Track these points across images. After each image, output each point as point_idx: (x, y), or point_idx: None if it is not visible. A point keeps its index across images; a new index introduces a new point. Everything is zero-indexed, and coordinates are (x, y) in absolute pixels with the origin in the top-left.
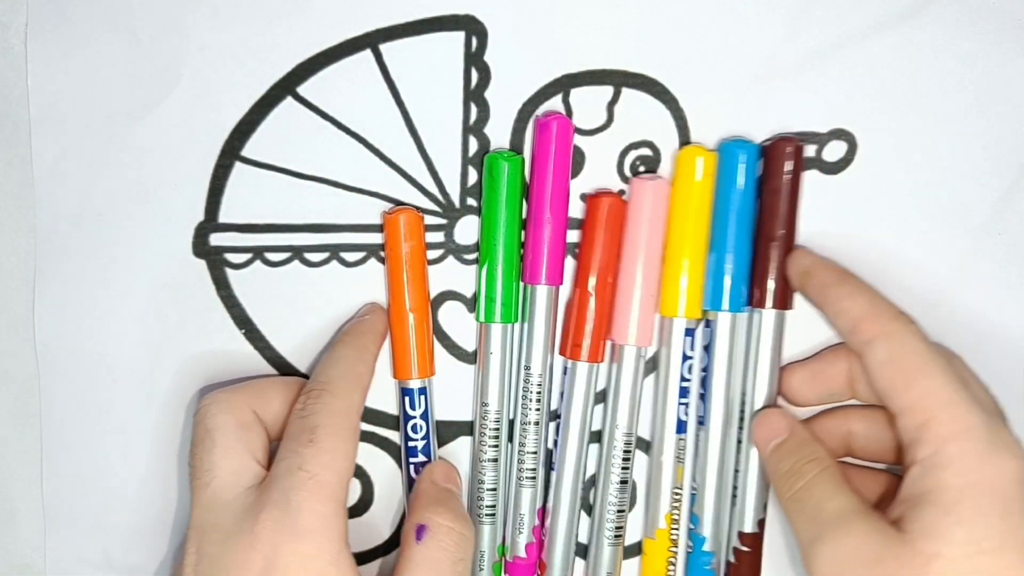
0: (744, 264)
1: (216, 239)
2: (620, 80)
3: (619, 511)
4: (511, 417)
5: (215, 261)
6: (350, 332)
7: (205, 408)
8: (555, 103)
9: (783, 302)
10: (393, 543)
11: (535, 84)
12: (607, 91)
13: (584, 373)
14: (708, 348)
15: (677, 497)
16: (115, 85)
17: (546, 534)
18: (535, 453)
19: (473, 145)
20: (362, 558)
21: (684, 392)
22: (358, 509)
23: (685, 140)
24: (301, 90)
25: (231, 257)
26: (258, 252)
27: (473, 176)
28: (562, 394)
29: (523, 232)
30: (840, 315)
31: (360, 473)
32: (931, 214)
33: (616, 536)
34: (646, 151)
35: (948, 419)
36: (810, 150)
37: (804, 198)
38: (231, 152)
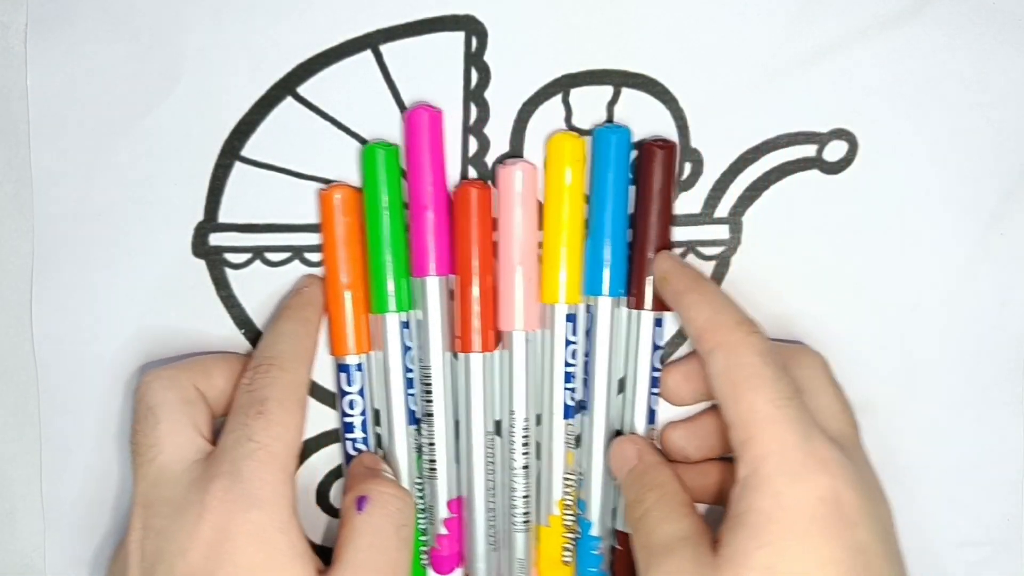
0: (622, 249)
1: (216, 239)
2: (620, 80)
3: (524, 497)
4: (413, 409)
5: (215, 261)
6: (292, 306)
7: (146, 385)
8: (555, 103)
9: (661, 304)
10: None
11: (535, 84)
12: (607, 91)
13: (478, 364)
14: (589, 333)
15: (569, 483)
16: (115, 85)
17: (464, 525)
18: (433, 444)
19: (473, 145)
20: None
21: (570, 378)
22: None
23: (685, 140)
24: (301, 90)
25: (231, 257)
26: (258, 252)
27: (473, 176)
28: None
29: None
30: (688, 324)
31: None
32: (932, 214)
33: (524, 522)
34: None
35: (765, 437)
36: (810, 150)
37: (804, 198)
38: (231, 152)
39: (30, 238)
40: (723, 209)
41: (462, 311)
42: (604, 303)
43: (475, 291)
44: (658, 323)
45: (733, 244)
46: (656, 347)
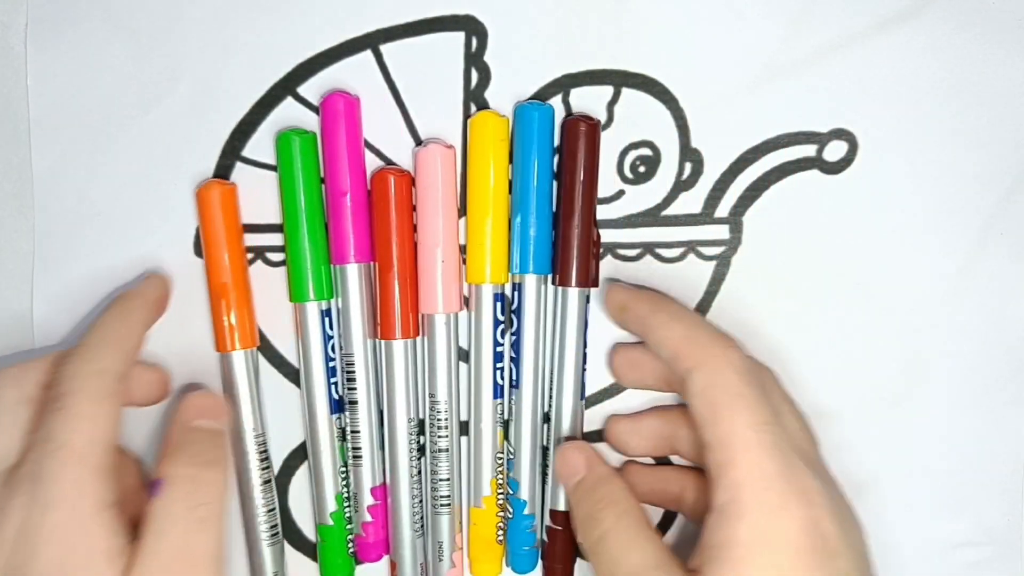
0: (547, 226)
1: None
2: (620, 80)
3: (444, 480)
4: (337, 397)
5: None
6: (116, 300)
7: None
8: (555, 103)
9: (586, 280)
10: None
11: (535, 84)
12: (607, 91)
13: (400, 350)
14: (517, 312)
15: (501, 463)
16: (115, 85)
17: (390, 512)
18: (359, 432)
19: None
20: None
21: (499, 357)
22: None
23: (685, 140)
24: (301, 90)
25: None
26: (259, 252)
27: None
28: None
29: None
30: (659, 345)
31: None
32: (932, 214)
33: (444, 504)
34: (646, 151)
35: (745, 463)
36: (810, 150)
37: (804, 198)
38: (231, 152)
39: (30, 238)
40: (723, 209)
41: (383, 298)
42: (530, 281)
43: (395, 277)
44: (586, 299)
45: (733, 244)
46: (584, 323)
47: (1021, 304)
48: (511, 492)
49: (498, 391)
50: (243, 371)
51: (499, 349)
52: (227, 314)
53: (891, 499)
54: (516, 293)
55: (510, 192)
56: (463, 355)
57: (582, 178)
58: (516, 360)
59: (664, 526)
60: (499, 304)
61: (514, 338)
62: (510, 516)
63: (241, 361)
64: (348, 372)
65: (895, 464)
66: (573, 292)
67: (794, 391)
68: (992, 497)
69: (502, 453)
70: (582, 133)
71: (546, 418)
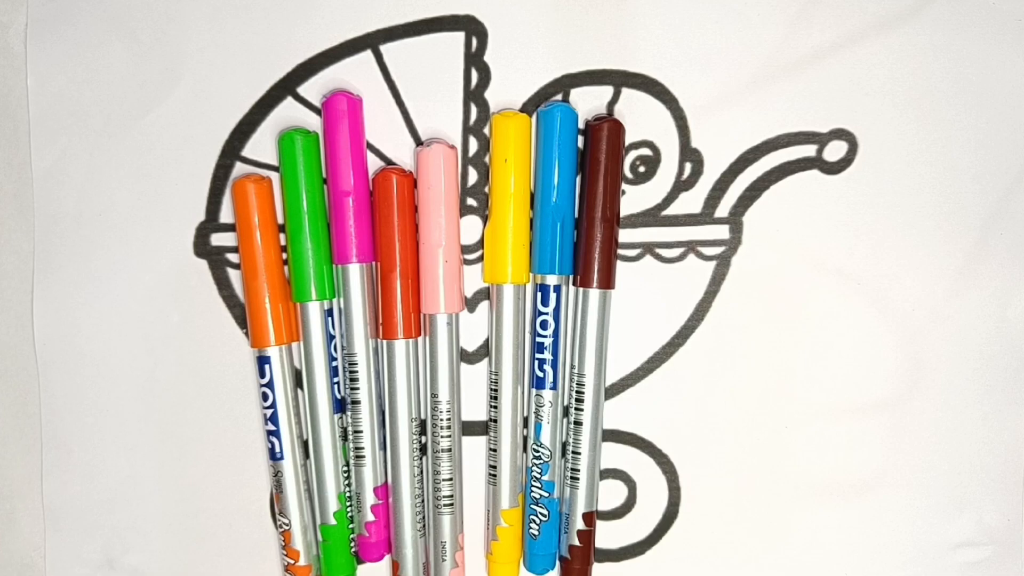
0: (570, 227)
1: (217, 239)
2: (620, 80)
3: (446, 479)
4: (340, 396)
5: (217, 261)
6: None
7: None
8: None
9: (606, 281)
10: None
11: (535, 84)
12: (607, 91)
13: (401, 350)
14: (537, 313)
15: (536, 461)
16: (115, 85)
17: (391, 512)
18: (362, 432)
19: (473, 145)
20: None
21: (520, 356)
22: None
23: (685, 140)
24: (301, 90)
25: (233, 257)
26: None
27: (473, 176)
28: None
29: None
30: None
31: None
32: (931, 214)
33: (447, 504)
34: (646, 151)
35: None
36: (810, 150)
37: (804, 198)
38: (231, 152)
39: (30, 238)
40: (723, 209)
41: (385, 298)
42: (552, 281)
43: (397, 277)
44: (607, 300)
45: (733, 244)
46: (606, 325)
47: (1021, 304)
48: (547, 494)
49: (519, 390)
50: (267, 368)
51: (520, 348)
52: (264, 310)
53: (891, 499)
54: (538, 294)
55: (532, 192)
56: (465, 355)
57: (604, 180)
58: (540, 360)
59: (664, 526)
60: (520, 304)
61: (537, 338)
62: (544, 518)
63: (278, 356)
64: (350, 372)
65: (895, 464)
66: (595, 293)
67: (794, 391)
68: (992, 497)
69: (536, 452)
70: (603, 133)
71: (565, 413)
